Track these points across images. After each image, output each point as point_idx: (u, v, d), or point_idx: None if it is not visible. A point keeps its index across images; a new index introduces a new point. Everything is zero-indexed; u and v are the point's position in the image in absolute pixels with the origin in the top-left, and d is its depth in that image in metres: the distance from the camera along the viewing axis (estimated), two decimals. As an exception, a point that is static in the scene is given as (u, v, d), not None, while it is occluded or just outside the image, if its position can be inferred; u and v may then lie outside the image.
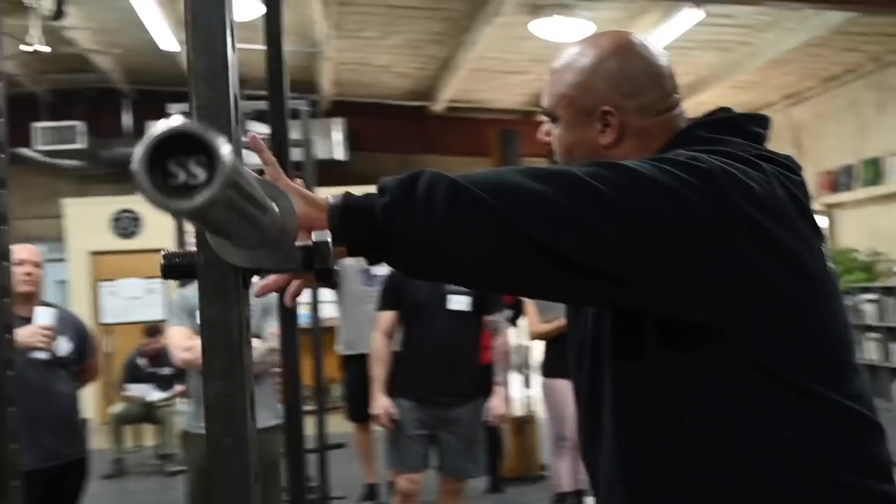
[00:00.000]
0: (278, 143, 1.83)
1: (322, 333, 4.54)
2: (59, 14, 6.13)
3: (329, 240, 0.89)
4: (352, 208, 1.11)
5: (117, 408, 7.33)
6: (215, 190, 0.45)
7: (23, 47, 7.31)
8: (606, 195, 1.10)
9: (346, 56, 9.73)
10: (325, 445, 4.09)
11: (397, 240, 1.09)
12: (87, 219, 10.10)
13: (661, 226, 1.12)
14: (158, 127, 0.45)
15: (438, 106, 11.29)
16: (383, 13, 8.43)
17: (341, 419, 6.35)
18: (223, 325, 0.85)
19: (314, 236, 0.89)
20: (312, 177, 4.68)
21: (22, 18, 7.21)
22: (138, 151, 0.44)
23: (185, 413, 3.55)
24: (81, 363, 3.66)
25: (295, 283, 1.32)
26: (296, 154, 4.01)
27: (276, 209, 0.76)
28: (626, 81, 1.37)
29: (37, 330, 3.28)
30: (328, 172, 11.75)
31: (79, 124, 9.72)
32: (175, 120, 0.45)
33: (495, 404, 4.00)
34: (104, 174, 10.96)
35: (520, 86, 10.19)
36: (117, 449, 7.18)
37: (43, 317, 3.33)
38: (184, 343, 3.36)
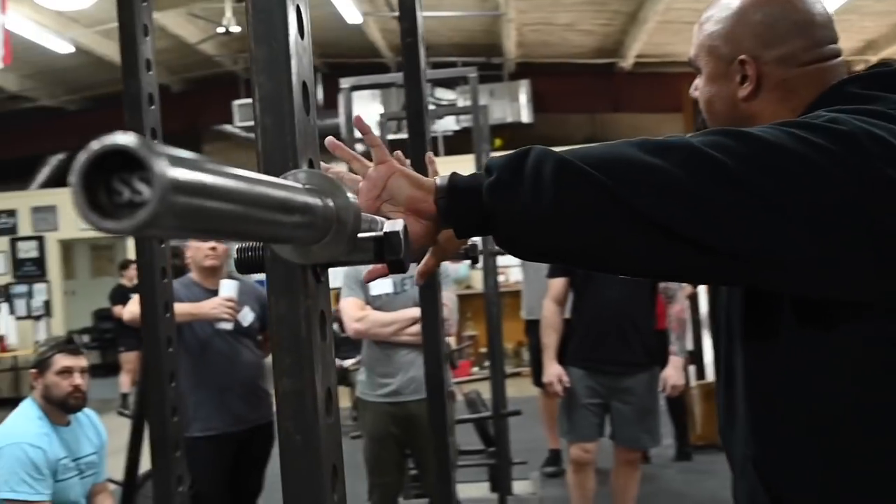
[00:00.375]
0: (415, 119, 1.81)
1: (504, 298, 4.51)
2: (244, -4, 6.38)
3: (400, 230, 0.85)
4: (458, 189, 1.08)
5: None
6: (154, 207, 0.42)
7: (218, 29, 7.71)
8: (727, 167, 1.00)
9: (529, 17, 9.63)
10: (500, 413, 4.09)
11: (503, 220, 1.04)
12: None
13: (792, 200, 1.00)
14: (93, 144, 0.42)
15: (626, 62, 10.99)
16: (564, -30, 8.27)
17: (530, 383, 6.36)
18: (290, 321, 0.83)
19: (386, 226, 0.85)
20: (487, 144, 4.65)
21: (218, 1, 7.58)
22: (74, 170, 0.42)
23: (360, 381, 3.63)
24: (265, 332, 3.83)
25: (423, 264, 1.32)
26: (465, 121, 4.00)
27: (324, 203, 0.73)
28: (767, 29, 1.26)
29: (222, 302, 3.45)
30: (513, 135, 11.80)
31: (275, 99, 10.12)
32: (112, 137, 0.42)
33: (669, 374, 3.85)
34: (301, 146, 11.41)
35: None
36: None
37: (227, 289, 3.49)
38: (356, 314, 3.44)
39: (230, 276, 3.69)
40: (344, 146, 1.19)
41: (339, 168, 1.20)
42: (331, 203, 0.77)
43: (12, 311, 10.86)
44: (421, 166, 1.77)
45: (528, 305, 5.89)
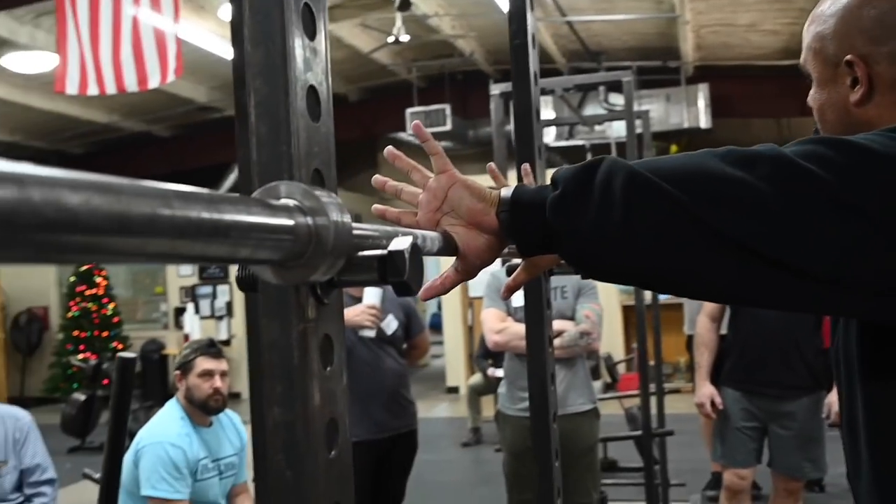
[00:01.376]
0: (523, 126, 1.72)
1: (668, 311, 4.32)
2: (404, 5, 6.46)
3: (406, 249, 0.77)
4: (521, 203, 0.99)
5: (474, 379, 7.67)
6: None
7: (388, 39, 7.85)
8: (822, 180, 0.86)
9: (707, 18, 9.25)
10: (650, 432, 3.90)
11: (569, 238, 0.95)
12: (456, 196, 10.67)
13: None
14: None
15: (814, 63, 10.36)
16: (742, -32, 7.89)
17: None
18: (282, 347, 0.77)
19: (391, 245, 0.78)
20: (642, 153, 4.46)
21: (390, 12, 7.73)
22: None
23: (501, 394, 3.56)
24: (409, 340, 3.83)
25: (513, 279, 1.25)
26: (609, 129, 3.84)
27: (295, 220, 0.66)
28: (876, 24, 1.11)
29: (365, 309, 3.47)
30: (691, 141, 11.38)
31: (447, 107, 10.25)
32: None
33: (833, 400, 3.54)
34: (472, 153, 11.50)
35: None
36: (475, 418, 7.52)
37: (371, 296, 3.51)
38: (496, 325, 3.38)
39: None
40: (403, 156, 1.12)
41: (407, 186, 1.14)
42: (309, 220, 0.71)
43: (197, 311, 11.52)
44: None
45: (690, 319, 5.65)
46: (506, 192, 1.02)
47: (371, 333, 3.56)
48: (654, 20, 9.45)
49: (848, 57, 1.13)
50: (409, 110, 10.45)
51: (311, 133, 0.79)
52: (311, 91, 0.80)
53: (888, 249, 0.86)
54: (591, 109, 10.71)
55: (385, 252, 0.78)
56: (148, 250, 0.53)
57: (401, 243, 0.79)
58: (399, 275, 0.78)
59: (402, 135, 11.43)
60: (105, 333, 11.47)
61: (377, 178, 1.13)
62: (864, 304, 0.92)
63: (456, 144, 11.56)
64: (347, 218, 0.75)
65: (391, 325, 3.68)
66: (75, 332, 11.53)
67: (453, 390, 10.84)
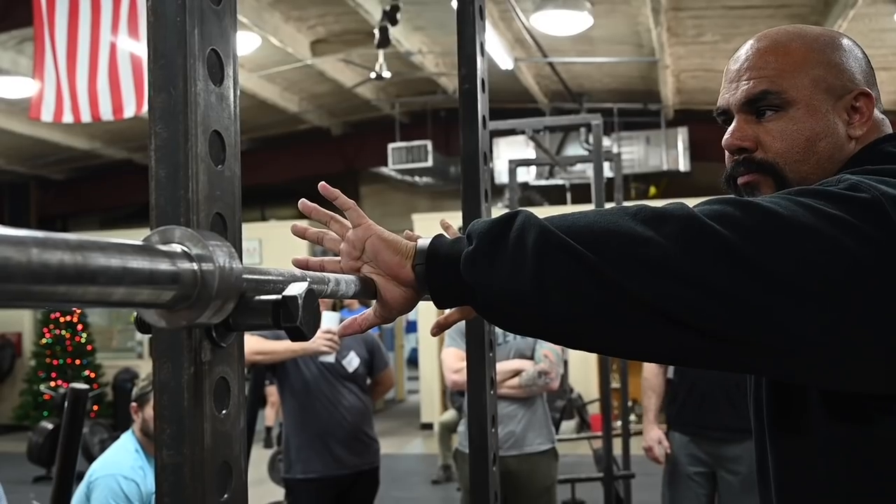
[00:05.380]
0: (470, 168, 1.73)
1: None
2: (384, 42, 6.52)
3: (300, 294, 0.78)
4: (436, 257, 1.01)
5: (446, 416, 7.63)
6: None
7: (371, 74, 7.91)
8: (728, 242, 0.87)
9: (687, 63, 9.38)
10: (611, 475, 3.89)
11: (482, 294, 0.96)
12: (435, 232, 10.65)
13: (802, 281, 0.86)
14: None
15: (792, 111, 10.49)
16: (721, 15, 8.00)
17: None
18: (173, 389, 0.77)
19: (286, 290, 0.78)
20: (613, 195, 4.50)
21: (373, 48, 7.77)
22: None
23: (460, 433, 3.55)
24: (373, 377, 3.81)
25: (445, 317, 1.26)
26: (597, 170, 3.86)
27: (177, 266, 0.67)
28: (868, 67, 1.15)
29: (321, 335, 3.43)
30: (670, 183, 11.47)
31: (428, 143, 10.30)
32: None
33: None
34: (452, 190, 11.54)
35: (888, 82, 9.16)
36: (445, 455, 7.47)
37: (327, 321, 3.47)
38: (454, 365, 3.38)
39: (331, 309, 3.70)
40: (318, 208, 1.14)
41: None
42: (194, 265, 0.71)
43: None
44: (475, 216, 1.69)
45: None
46: (422, 244, 1.03)
47: (330, 359, 3.54)
48: (635, 63, 9.56)
49: (863, 89, 1.13)
50: (391, 145, 10.50)
51: (212, 177, 0.80)
52: (216, 136, 0.81)
53: (791, 311, 0.86)
54: (571, 149, 10.80)
55: (279, 297, 0.79)
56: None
57: (295, 289, 0.79)
58: (292, 320, 0.78)
59: (383, 169, 11.47)
60: (78, 361, 11.36)
61: (296, 225, 1.15)
62: (769, 364, 0.93)
63: (437, 180, 11.61)
64: (237, 263, 0.75)
65: (353, 361, 3.67)
66: (48, 360, 11.42)
67: (427, 426, 10.77)
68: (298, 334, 0.80)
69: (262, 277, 0.82)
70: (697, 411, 3.54)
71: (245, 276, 0.79)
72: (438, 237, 1.04)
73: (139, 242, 0.68)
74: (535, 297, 0.91)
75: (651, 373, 3.69)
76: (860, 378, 0.92)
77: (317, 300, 0.82)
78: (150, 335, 0.79)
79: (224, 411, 0.81)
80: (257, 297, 0.80)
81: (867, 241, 0.86)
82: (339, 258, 1.09)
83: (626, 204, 0.99)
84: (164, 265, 0.68)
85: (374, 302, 1.10)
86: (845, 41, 1.17)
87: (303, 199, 1.13)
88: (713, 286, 0.86)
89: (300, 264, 1.13)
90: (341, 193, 1.12)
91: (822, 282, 0.86)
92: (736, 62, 1.21)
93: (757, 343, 0.88)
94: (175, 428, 0.78)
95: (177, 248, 0.71)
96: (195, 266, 0.71)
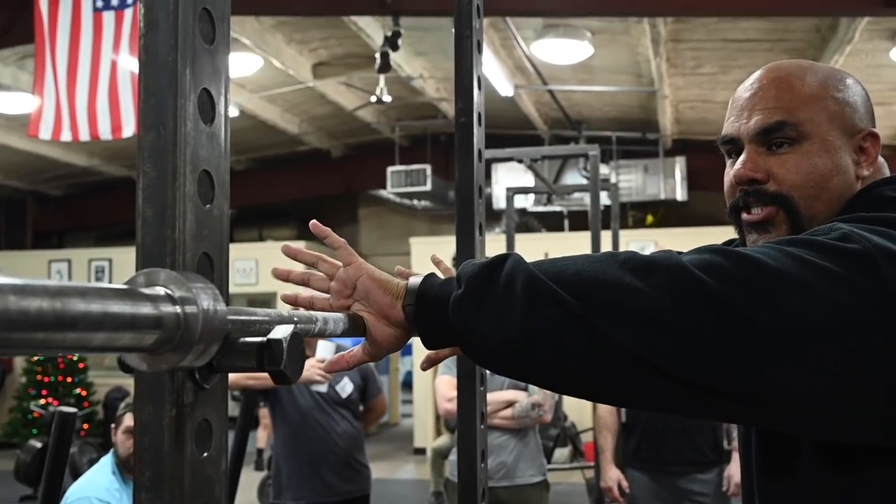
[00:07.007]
0: (464, 202, 1.73)
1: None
2: (385, 67, 6.55)
3: (285, 337, 0.77)
4: (426, 298, 1.00)
5: (439, 442, 7.59)
6: None
7: (371, 98, 7.93)
8: (717, 294, 0.86)
9: (686, 94, 9.42)
10: (603, 506, 3.87)
11: (470, 337, 0.96)
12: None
13: (791, 334, 0.86)
14: None
15: (789, 142, 10.54)
16: (720, 48, 8.05)
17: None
18: (154, 431, 0.76)
19: (271, 333, 0.78)
20: (609, 224, 4.50)
21: (374, 72, 7.79)
22: None
23: (450, 462, 3.53)
24: (366, 403, 3.79)
25: (436, 352, 1.25)
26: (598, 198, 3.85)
27: (159, 310, 0.66)
28: (871, 108, 1.16)
29: (315, 363, 3.43)
30: (667, 212, 11.49)
31: (427, 167, 10.32)
32: None
33: (733, 471, 3.51)
34: (450, 214, 11.54)
35: (884, 117, 9.20)
36: (437, 482, 7.42)
37: (322, 351, 3.48)
38: (448, 393, 3.36)
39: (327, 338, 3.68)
40: (304, 250, 1.14)
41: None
42: (177, 308, 0.71)
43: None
44: (469, 247, 1.68)
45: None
46: (413, 283, 1.02)
47: (323, 388, 3.53)
48: (635, 93, 9.60)
49: (872, 129, 1.14)
50: (390, 168, 10.53)
51: (200, 216, 0.79)
52: (205, 175, 0.80)
53: (780, 364, 0.86)
54: (570, 176, 10.82)
55: (264, 340, 0.78)
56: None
57: (280, 332, 0.79)
58: (276, 363, 0.77)
59: (382, 192, 11.48)
60: (69, 379, 11.30)
61: (277, 269, 1.14)
62: (757, 415, 0.92)
63: (436, 204, 11.63)
64: (221, 305, 0.75)
65: (346, 388, 3.65)
66: (39, 377, 11.36)
67: (420, 451, 10.73)
68: (282, 378, 0.79)
69: (248, 318, 0.82)
70: (655, 447, 3.54)
71: (230, 317, 0.79)
72: (429, 277, 1.04)
73: (121, 286, 0.68)
74: (522, 344, 0.91)
75: (606, 411, 3.68)
76: (850, 430, 0.91)
77: (302, 342, 0.81)
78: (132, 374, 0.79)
79: (206, 454, 0.80)
80: (242, 339, 0.79)
81: (857, 293, 0.86)
82: (327, 297, 1.09)
83: (616, 249, 0.99)
84: (146, 309, 0.67)
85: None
86: (851, 80, 1.17)
87: (286, 244, 1.15)
88: (701, 338, 0.86)
89: (289, 300, 1.12)
90: (332, 232, 1.11)
91: (811, 335, 0.85)
92: (747, 90, 1.18)
93: (745, 395, 0.87)
94: (155, 470, 0.77)
95: (160, 290, 0.71)
96: (178, 309, 0.71)
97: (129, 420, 2.98)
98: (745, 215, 1.15)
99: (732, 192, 1.18)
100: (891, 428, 0.89)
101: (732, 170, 1.17)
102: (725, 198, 1.19)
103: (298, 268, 1.17)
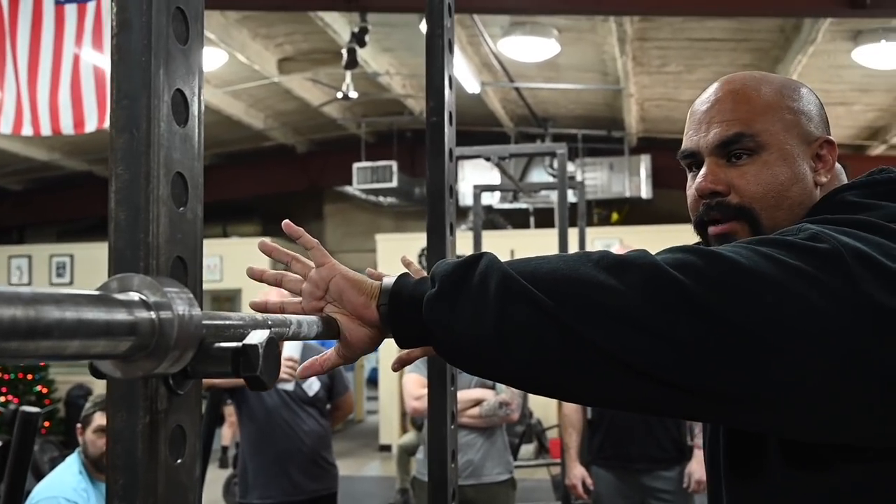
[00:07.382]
0: (436, 200, 1.72)
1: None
2: (352, 63, 6.52)
3: (261, 343, 0.76)
4: (400, 297, 1.00)
5: (405, 439, 7.59)
6: None
7: (337, 94, 7.90)
8: (690, 292, 0.87)
9: (651, 92, 9.48)
10: (569, 501, 3.89)
11: (444, 337, 0.95)
12: (398, 253, 10.66)
13: (763, 332, 0.86)
14: None
15: (752, 141, 10.66)
16: (685, 47, 8.10)
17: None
18: (127, 438, 0.75)
19: (247, 338, 0.77)
20: (576, 221, 4.52)
21: (340, 67, 7.76)
22: None
23: (418, 460, 3.53)
24: (333, 401, 3.78)
25: (406, 352, 1.24)
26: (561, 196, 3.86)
27: (135, 315, 0.65)
28: (825, 116, 1.18)
29: (283, 361, 3.41)
30: (632, 210, 11.57)
31: (393, 164, 10.30)
32: None
33: (693, 468, 3.55)
34: (417, 210, 11.54)
35: (845, 117, 9.33)
36: (403, 479, 7.42)
37: (289, 349, 3.46)
38: (416, 392, 3.36)
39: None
40: (279, 248, 1.12)
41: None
42: (152, 314, 0.69)
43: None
44: (440, 247, 1.68)
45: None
46: (387, 283, 1.02)
47: (289, 386, 3.52)
48: (601, 91, 9.65)
49: (829, 137, 1.15)
50: (355, 165, 10.49)
51: (174, 220, 0.78)
52: (178, 177, 0.79)
53: (752, 362, 0.86)
54: (536, 173, 10.86)
55: (239, 345, 0.77)
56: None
57: (256, 337, 0.78)
58: (252, 369, 0.76)
59: (348, 188, 11.44)
60: (30, 376, 11.14)
61: (252, 269, 1.13)
62: (729, 414, 0.93)
63: (401, 201, 11.61)
64: (196, 310, 0.74)
65: (313, 386, 3.63)
66: (-1, 374, 11.20)
67: (386, 448, 10.71)
68: (258, 384, 0.78)
69: (223, 323, 0.81)
70: (619, 445, 3.57)
71: (205, 321, 0.78)
72: (403, 277, 1.03)
73: (95, 292, 0.67)
74: (495, 344, 0.91)
75: (571, 409, 3.69)
76: (821, 429, 0.92)
77: (278, 347, 0.80)
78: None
79: (179, 460, 0.79)
80: (217, 345, 0.78)
81: (827, 292, 0.87)
82: (299, 299, 1.08)
83: (588, 249, 0.99)
84: (120, 315, 0.66)
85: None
86: (805, 90, 1.19)
87: (262, 240, 1.14)
88: (674, 336, 0.86)
89: (258, 307, 1.11)
90: (305, 232, 1.10)
91: (782, 333, 0.86)
92: (704, 104, 1.20)
93: (717, 393, 0.88)
94: (129, 478, 0.76)
95: (134, 296, 0.69)
96: (153, 315, 0.70)
97: (99, 419, 2.95)
98: (711, 228, 1.17)
99: (696, 206, 1.19)
100: (883, 428, 0.90)
101: (694, 183, 1.19)
102: (690, 212, 1.21)
103: (264, 268, 1.16)
